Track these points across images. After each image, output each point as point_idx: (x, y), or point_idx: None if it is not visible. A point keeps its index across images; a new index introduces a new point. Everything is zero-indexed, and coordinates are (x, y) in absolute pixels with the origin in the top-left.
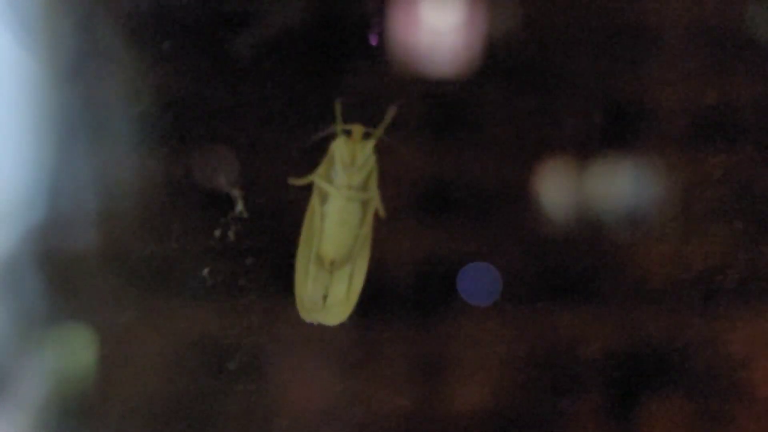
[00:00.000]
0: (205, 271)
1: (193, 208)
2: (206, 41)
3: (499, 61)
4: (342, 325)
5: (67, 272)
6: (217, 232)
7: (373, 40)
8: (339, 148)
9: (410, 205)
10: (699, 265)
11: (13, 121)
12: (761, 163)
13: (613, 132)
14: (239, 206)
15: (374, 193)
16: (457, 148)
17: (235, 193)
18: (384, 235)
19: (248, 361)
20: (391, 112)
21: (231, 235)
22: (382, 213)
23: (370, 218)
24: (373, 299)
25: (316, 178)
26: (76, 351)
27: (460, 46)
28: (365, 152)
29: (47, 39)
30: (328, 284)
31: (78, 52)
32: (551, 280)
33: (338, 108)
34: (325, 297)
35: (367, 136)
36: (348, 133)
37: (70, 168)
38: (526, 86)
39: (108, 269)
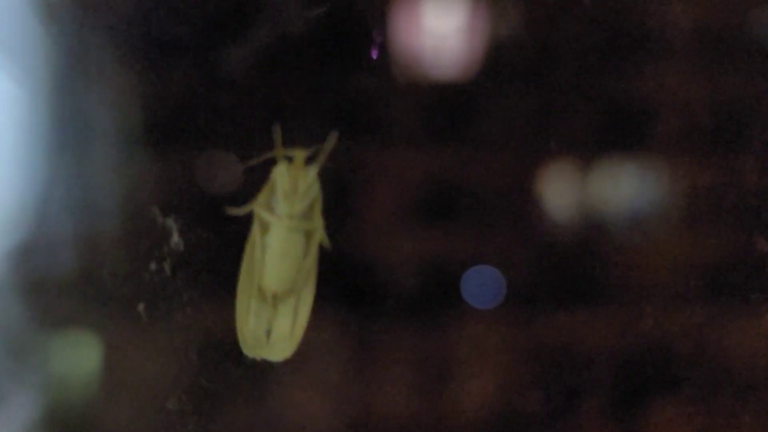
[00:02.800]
0: (141, 307)
1: (128, 239)
2: (195, 55)
3: (502, 64)
4: (344, 327)
5: None
6: (153, 265)
7: (374, 53)
8: (280, 174)
9: (414, 208)
10: (702, 267)
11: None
12: (762, 165)
13: (616, 135)
14: (175, 237)
15: (318, 223)
16: (461, 151)
17: (170, 223)
18: (388, 238)
19: (188, 400)
20: (332, 139)
21: (167, 268)
22: (326, 244)
23: (314, 249)
24: (377, 302)
25: (256, 207)
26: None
27: (462, 50)
28: (308, 179)
29: (31, 59)
30: (272, 319)
31: (62, 71)
32: (555, 283)
33: (278, 132)
34: (268, 332)
35: (310, 161)
36: (289, 158)
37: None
38: (528, 90)
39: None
